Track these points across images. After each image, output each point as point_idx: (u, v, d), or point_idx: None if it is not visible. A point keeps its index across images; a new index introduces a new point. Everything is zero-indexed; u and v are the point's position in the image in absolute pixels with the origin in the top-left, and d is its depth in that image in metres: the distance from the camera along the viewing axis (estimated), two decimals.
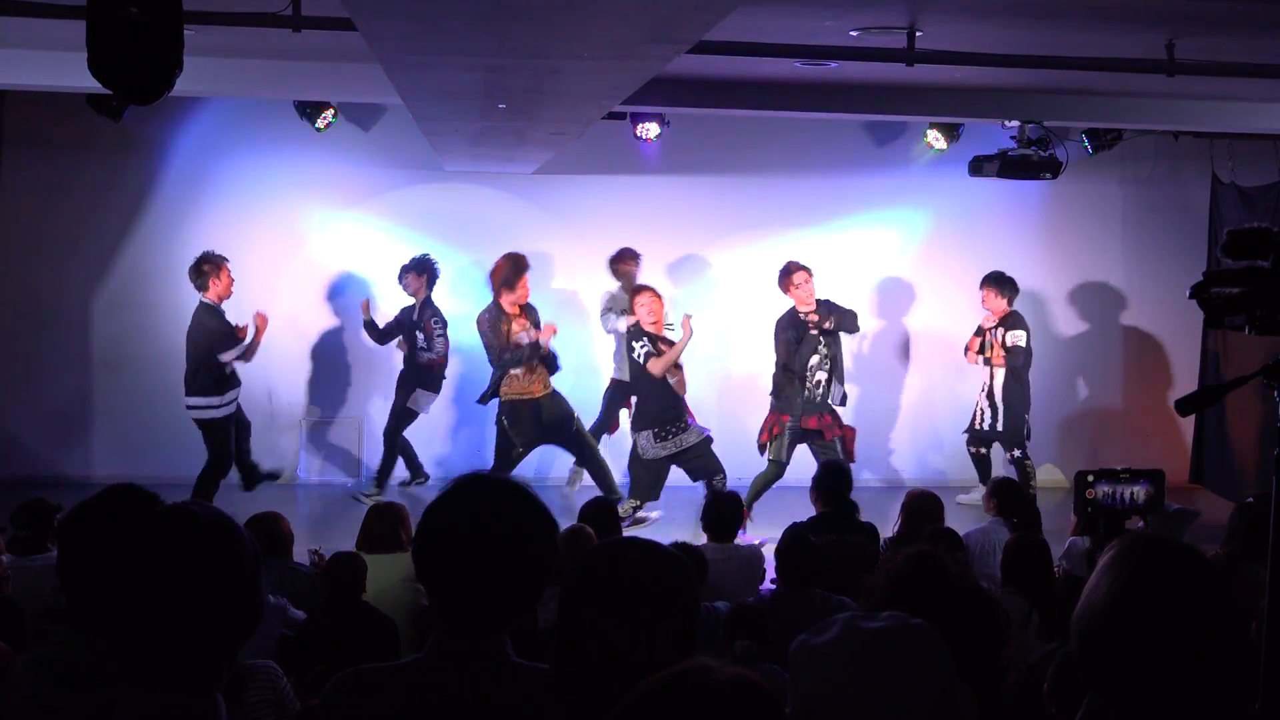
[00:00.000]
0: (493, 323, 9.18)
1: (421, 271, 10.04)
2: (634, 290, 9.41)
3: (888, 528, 7.09)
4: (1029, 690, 3.79)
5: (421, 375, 10.09)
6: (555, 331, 9.38)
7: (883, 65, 7.24)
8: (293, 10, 6.05)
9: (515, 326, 9.12)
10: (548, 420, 9.19)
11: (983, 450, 10.32)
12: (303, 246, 10.93)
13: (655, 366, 8.84)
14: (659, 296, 9.18)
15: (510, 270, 9.16)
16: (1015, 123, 9.69)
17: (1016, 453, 10.12)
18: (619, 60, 5.37)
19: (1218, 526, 6.55)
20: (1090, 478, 6.00)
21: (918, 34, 6.79)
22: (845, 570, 5.68)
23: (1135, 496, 6.02)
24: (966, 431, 10.38)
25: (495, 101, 6.61)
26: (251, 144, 10.75)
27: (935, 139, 10.72)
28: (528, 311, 9.31)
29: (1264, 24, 6.35)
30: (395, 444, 10.19)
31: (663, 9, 4.37)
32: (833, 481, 7.07)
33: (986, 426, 10.21)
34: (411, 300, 10.11)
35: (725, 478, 8.89)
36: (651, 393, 8.96)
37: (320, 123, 10.18)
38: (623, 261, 10.28)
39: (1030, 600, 5.31)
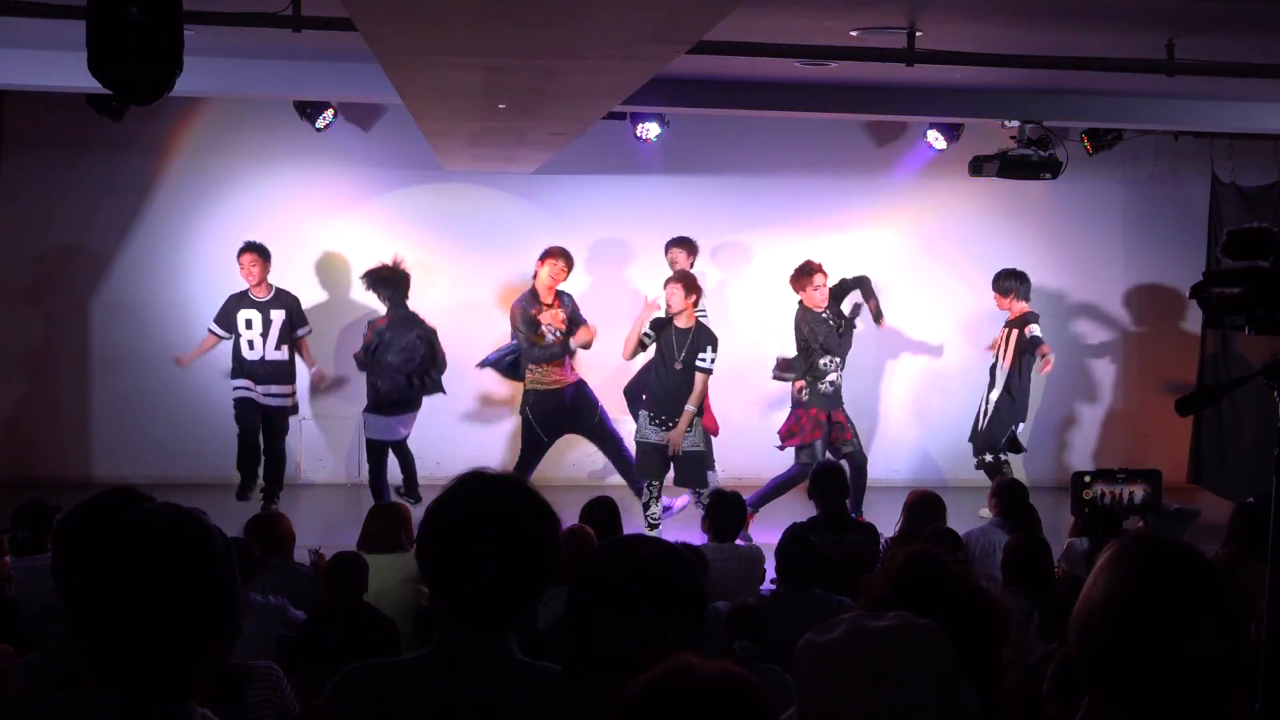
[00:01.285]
0: (524, 312, 9.07)
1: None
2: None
3: (887, 528, 7.09)
4: (1029, 690, 3.79)
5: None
6: (594, 336, 9.30)
7: (883, 65, 7.24)
8: (293, 10, 6.06)
9: (544, 318, 9.02)
10: (571, 408, 9.16)
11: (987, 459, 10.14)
12: (303, 247, 10.93)
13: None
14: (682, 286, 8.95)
15: (557, 252, 9.08)
16: (1015, 123, 9.68)
17: (988, 457, 9.92)
18: (619, 60, 5.37)
19: (1218, 526, 6.55)
20: (1088, 478, 6.01)
21: (918, 34, 6.79)
22: (845, 570, 5.68)
23: (1132, 497, 6.02)
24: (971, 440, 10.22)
25: (495, 102, 6.61)
26: (251, 144, 10.75)
27: (935, 139, 10.73)
28: (560, 299, 9.18)
29: (1264, 24, 6.35)
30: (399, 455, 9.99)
31: (663, 9, 4.37)
32: (824, 482, 7.07)
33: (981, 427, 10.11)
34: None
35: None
36: (656, 378, 8.94)
37: (320, 123, 10.18)
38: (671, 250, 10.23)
39: (1031, 600, 5.30)
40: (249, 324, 9.73)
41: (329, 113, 10.15)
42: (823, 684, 1.85)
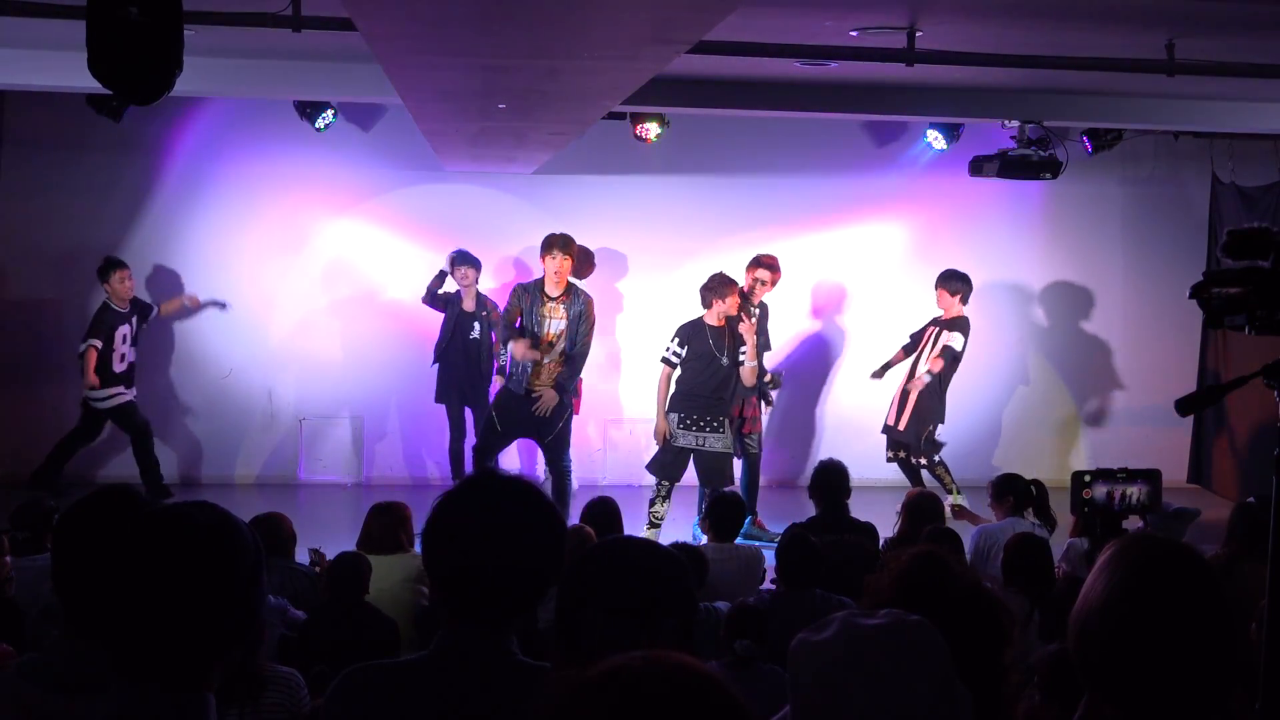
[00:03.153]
0: (525, 296, 8.89)
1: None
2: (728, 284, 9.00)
3: (887, 528, 7.09)
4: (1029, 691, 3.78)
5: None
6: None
7: (883, 65, 7.24)
8: (293, 10, 6.05)
9: (546, 312, 8.83)
10: (536, 417, 8.96)
11: (901, 455, 9.92)
12: (303, 247, 10.94)
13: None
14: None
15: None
16: (1015, 123, 9.68)
17: (921, 460, 9.77)
18: (619, 60, 5.38)
19: (1218, 526, 6.55)
20: (1087, 478, 5.99)
21: (918, 34, 6.79)
22: (845, 570, 5.67)
23: (1132, 496, 6.01)
24: (884, 431, 10.02)
25: (495, 102, 6.61)
26: (251, 144, 10.75)
27: (935, 139, 10.73)
28: (567, 300, 8.90)
29: (1264, 24, 6.35)
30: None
31: (663, 9, 4.37)
32: (825, 482, 7.06)
33: (891, 422, 9.90)
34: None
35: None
36: (689, 378, 8.88)
37: (320, 123, 10.17)
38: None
39: (1031, 600, 5.30)
40: (124, 338, 9.83)
41: (329, 113, 10.15)
42: (816, 683, 1.85)
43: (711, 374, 8.82)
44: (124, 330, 9.82)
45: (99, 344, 9.68)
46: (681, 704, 1.44)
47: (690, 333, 8.93)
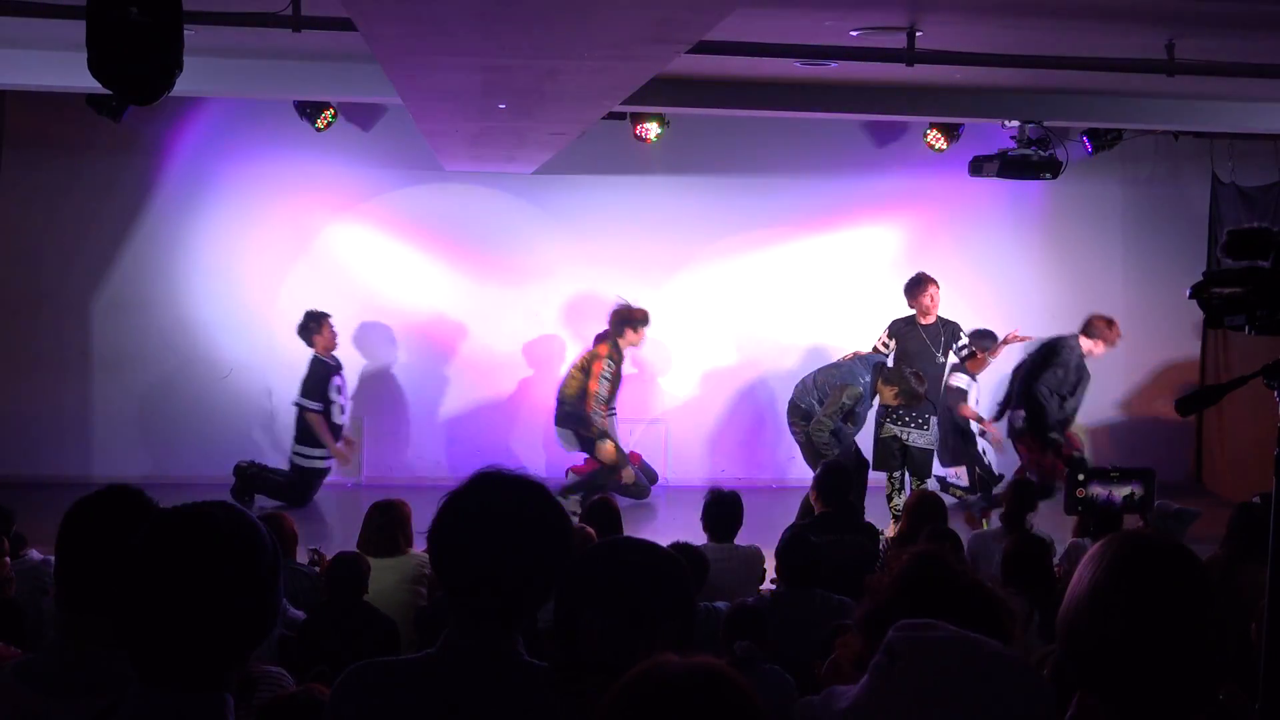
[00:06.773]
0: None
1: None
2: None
3: (884, 528, 7.08)
4: None
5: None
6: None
7: (883, 65, 7.24)
8: (293, 10, 6.05)
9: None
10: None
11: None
12: (303, 247, 10.93)
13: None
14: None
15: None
16: (1015, 123, 9.68)
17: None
18: (619, 60, 5.38)
19: (1218, 527, 6.55)
20: (1081, 477, 5.99)
21: (918, 34, 6.79)
22: (845, 570, 5.68)
23: (1127, 496, 6.02)
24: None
25: (495, 102, 6.62)
26: (251, 144, 10.75)
27: (935, 139, 10.72)
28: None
29: (1264, 24, 6.36)
30: None
31: (663, 9, 4.38)
32: (833, 482, 7.05)
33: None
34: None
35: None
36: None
37: (320, 123, 10.17)
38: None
39: (1031, 600, 5.30)
40: (339, 390, 10.03)
41: (329, 113, 10.15)
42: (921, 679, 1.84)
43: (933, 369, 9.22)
44: (338, 384, 10.01)
45: (310, 405, 9.91)
46: (711, 703, 1.47)
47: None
